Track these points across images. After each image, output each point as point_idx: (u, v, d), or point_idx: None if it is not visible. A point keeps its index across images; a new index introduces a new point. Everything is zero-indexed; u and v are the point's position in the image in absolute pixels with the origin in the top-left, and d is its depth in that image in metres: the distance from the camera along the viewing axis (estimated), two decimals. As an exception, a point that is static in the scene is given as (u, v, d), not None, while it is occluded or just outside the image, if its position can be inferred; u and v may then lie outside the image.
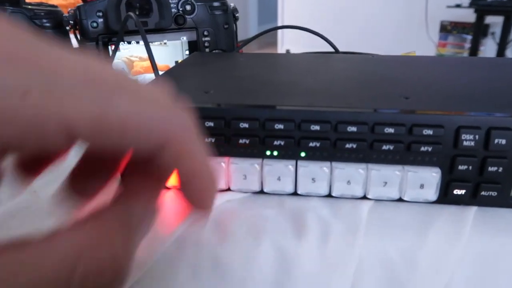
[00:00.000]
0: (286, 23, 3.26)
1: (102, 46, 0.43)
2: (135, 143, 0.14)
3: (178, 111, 0.14)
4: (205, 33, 0.47)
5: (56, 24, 0.45)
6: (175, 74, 0.34)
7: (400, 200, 0.25)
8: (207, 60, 0.39)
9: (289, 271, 0.21)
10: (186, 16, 0.45)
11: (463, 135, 0.23)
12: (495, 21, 2.39)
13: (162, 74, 0.33)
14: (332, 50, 0.48)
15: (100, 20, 0.43)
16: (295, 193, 0.25)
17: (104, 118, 0.12)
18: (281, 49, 3.30)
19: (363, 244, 0.22)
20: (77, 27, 0.44)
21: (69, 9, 0.44)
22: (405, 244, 0.22)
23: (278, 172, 0.25)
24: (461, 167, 0.23)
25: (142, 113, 0.13)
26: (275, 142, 0.24)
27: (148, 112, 0.13)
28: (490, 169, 0.23)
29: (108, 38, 0.44)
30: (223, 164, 0.25)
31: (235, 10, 0.48)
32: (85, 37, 0.43)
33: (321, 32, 0.47)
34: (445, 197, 0.24)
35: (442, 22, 2.60)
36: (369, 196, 0.25)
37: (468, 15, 2.34)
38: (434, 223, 0.23)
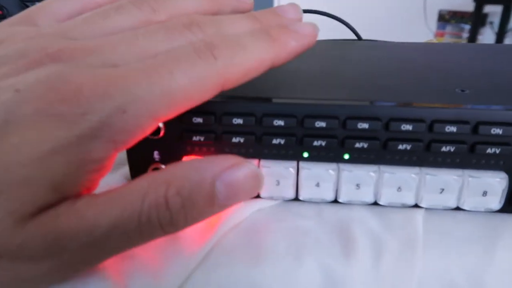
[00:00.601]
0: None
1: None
2: None
3: None
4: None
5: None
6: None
7: (457, 209, 0.21)
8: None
9: (338, 296, 0.18)
10: None
11: (536, 135, 0.19)
12: (494, 10, 2.36)
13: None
14: (346, 38, 0.45)
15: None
16: (335, 201, 0.22)
17: None
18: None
19: (422, 263, 0.19)
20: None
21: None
22: (470, 262, 0.19)
23: (317, 177, 0.21)
24: (532, 172, 0.20)
25: None
26: (315, 143, 0.21)
27: None
28: None
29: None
30: (252, 168, 0.21)
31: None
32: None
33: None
34: (509, 206, 0.21)
35: (440, 11, 2.56)
36: (422, 205, 0.21)
37: (467, 4, 2.30)
38: (501, 236, 0.20)
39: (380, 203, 0.22)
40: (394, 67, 0.29)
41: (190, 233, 0.19)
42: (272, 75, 0.25)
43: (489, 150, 0.20)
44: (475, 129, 0.20)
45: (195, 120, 0.21)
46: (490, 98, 0.21)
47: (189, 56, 0.15)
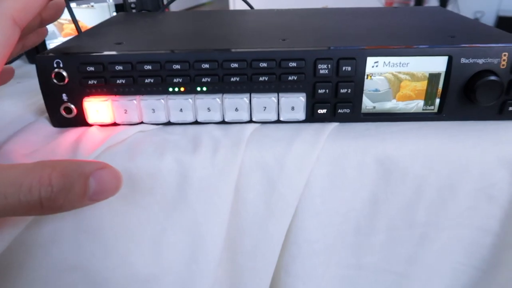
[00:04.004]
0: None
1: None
2: None
3: None
4: (131, -6, 0.50)
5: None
6: (95, 31, 0.38)
7: (278, 121, 0.31)
8: (129, 20, 0.44)
9: (186, 177, 0.27)
10: (111, -21, 0.49)
11: (319, 66, 0.29)
12: (436, -23, 2.48)
13: (84, 32, 0.37)
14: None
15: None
16: (196, 122, 0.31)
17: None
18: None
19: (244, 153, 0.28)
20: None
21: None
22: (277, 151, 0.29)
23: (180, 105, 0.30)
24: (320, 91, 0.30)
25: None
26: (175, 80, 0.30)
27: None
28: (342, 91, 0.30)
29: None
30: (134, 102, 0.30)
31: (159, -30, 0.52)
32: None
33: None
34: (312, 117, 0.31)
35: (388, -21, 2.66)
36: (254, 120, 0.31)
37: (411, -28, 2.41)
38: (300, 135, 0.30)
39: (226, 120, 0.31)
40: (251, 27, 0.38)
41: (86, 143, 0.28)
42: (150, 38, 0.34)
43: (290, 78, 0.30)
44: (279, 64, 0.29)
45: (88, 69, 0.29)
46: (296, 44, 0.31)
47: None
